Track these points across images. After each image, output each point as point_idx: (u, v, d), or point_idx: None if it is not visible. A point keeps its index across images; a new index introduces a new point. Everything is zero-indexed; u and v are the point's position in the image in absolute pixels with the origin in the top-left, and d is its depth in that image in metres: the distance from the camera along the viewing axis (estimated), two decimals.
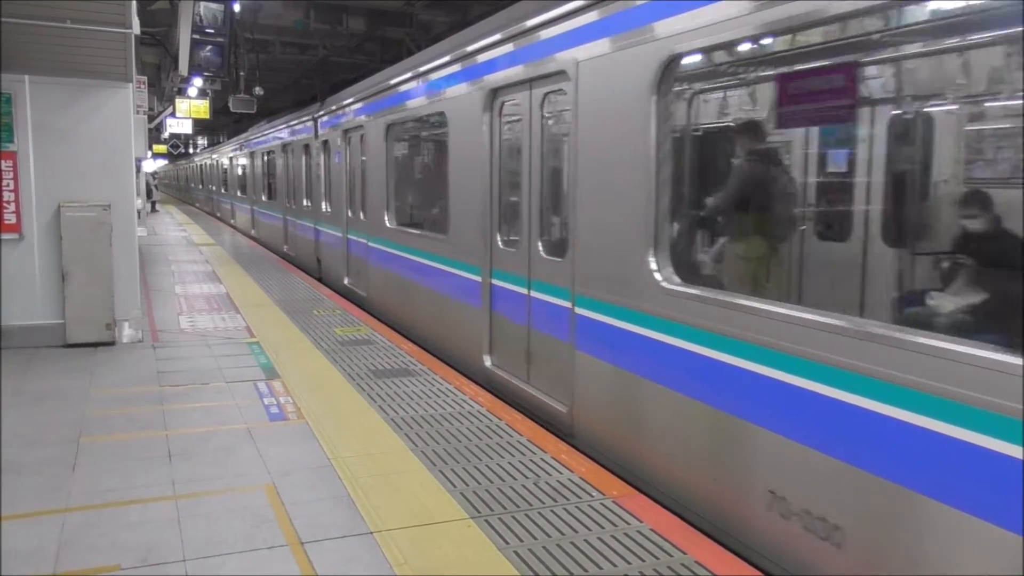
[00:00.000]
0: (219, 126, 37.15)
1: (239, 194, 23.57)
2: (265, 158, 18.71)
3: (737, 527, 3.63)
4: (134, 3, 6.60)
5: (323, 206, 12.44)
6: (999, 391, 2.45)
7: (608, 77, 4.47)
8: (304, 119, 13.91)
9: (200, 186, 38.66)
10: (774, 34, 3.54)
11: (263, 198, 18.99)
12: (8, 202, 7.13)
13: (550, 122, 5.45)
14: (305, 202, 13.87)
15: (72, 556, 3.36)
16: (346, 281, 11.05)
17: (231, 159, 25.33)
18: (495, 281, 6.15)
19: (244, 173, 22.35)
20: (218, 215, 29.32)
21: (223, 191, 28.35)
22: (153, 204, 32.92)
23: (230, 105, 16.55)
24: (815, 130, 5.11)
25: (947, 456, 2.62)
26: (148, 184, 31.13)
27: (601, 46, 4.53)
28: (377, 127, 9.29)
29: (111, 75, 7.25)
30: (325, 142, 12.30)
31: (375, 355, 7.14)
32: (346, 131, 10.92)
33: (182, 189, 52.04)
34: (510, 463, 4.51)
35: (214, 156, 31.68)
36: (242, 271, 13.14)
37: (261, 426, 5.12)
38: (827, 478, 3.10)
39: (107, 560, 3.32)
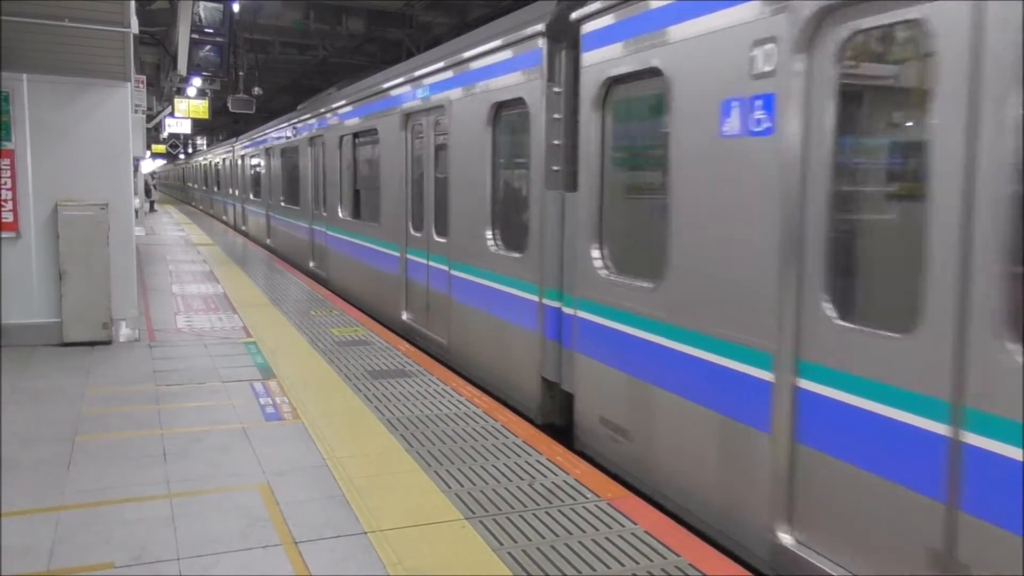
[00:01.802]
0: (218, 126, 37.17)
1: (283, 204, 15.85)
2: (348, 147, 11.03)
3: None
4: (132, 2, 6.62)
5: (594, 260, 4.96)
6: None
7: None
8: (516, 38, 5.86)
9: (213, 189, 30.56)
10: None
11: (341, 215, 11.28)
12: (5, 200, 7.13)
13: None
14: (491, 238, 6.41)
15: (66, 554, 3.36)
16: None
17: (269, 152, 17.52)
18: None
19: (297, 174, 14.40)
20: (243, 229, 21.94)
21: (250, 196, 20.66)
22: (152, 204, 32.83)
23: (229, 105, 16.59)
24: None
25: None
26: (147, 184, 30.90)
27: None
28: None
29: (109, 74, 7.25)
30: (612, 84, 4.81)
31: (372, 356, 7.14)
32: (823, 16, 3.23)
33: (183, 190, 46.90)
34: (505, 464, 4.51)
35: (236, 151, 23.35)
36: (240, 271, 13.14)
37: (257, 426, 5.12)
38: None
39: (101, 558, 3.32)
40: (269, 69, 20.21)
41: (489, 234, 6.41)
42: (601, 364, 4.86)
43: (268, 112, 25.56)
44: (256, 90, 17.35)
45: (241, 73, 17.13)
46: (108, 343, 7.37)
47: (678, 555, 3.46)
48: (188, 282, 11.66)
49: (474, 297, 6.72)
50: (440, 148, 7.53)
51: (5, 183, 7.11)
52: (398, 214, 8.53)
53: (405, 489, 4.12)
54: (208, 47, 12.06)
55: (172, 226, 23.99)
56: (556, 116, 5.42)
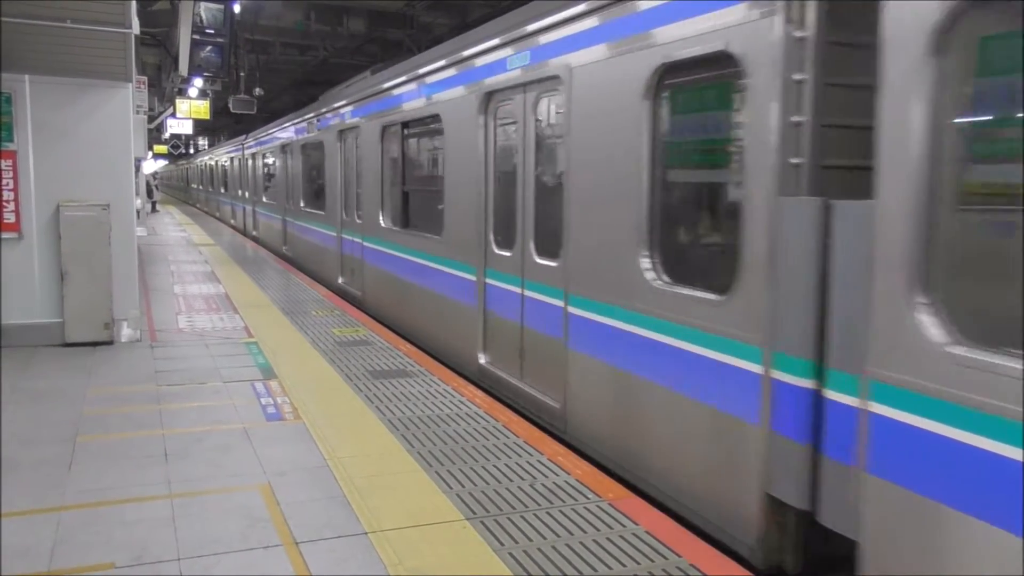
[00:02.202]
0: (219, 127, 37.23)
1: (304, 208, 13.64)
2: (393, 140, 9.01)
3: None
4: (134, 3, 6.62)
5: (918, 319, 2.84)
6: None
7: None
8: None
9: (219, 190, 27.70)
10: None
11: (382, 223, 9.20)
12: (8, 201, 7.14)
13: None
14: (649, 267, 4.37)
15: (67, 554, 3.36)
16: None
17: (286, 149, 15.18)
18: None
19: (322, 174, 12.26)
20: (255, 235, 19.49)
21: (263, 199, 18.15)
22: (153, 204, 32.80)
23: (230, 106, 16.62)
24: None
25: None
26: (148, 184, 30.35)
27: None
28: None
29: (111, 75, 7.26)
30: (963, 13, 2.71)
31: (373, 356, 7.14)
32: None
33: (186, 191, 44.12)
34: (506, 464, 4.51)
35: (246, 149, 20.48)
36: (241, 271, 13.14)
37: (258, 426, 5.12)
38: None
39: (101, 558, 3.32)
40: (270, 70, 20.23)
41: (645, 261, 4.33)
42: (946, 508, 2.73)
43: (269, 113, 25.59)
44: (257, 91, 17.39)
45: (242, 74, 17.16)
46: (110, 343, 7.37)
47: (679, 555, 3.45)
48: (189, 282, 11.67)
49: (615, 350, 4.60)
50: (547, 137, 5.63)
51: (7, 184, 7.12)
52: (471, 225, 6.51)
53: (406, 489, 4.12)
54: (209, 48, 12.09)
55: (174, 227, 24.01)
56: (798, 78, 3.40)
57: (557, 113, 5.34)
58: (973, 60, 2.83)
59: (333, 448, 4.72)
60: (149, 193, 30.04)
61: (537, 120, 5.66)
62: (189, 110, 18.24)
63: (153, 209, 31.82)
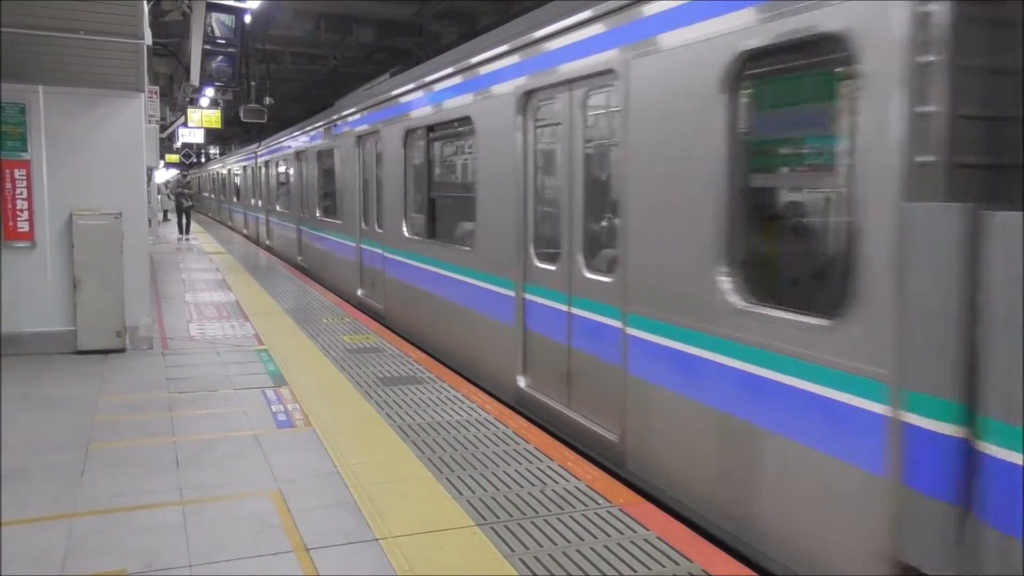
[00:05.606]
0: (230, 135, 37.49)
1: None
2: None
3: None
4: (146, 13, 6.69)
5: None
6: None
7: None
8: None
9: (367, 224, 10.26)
10: None
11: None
12: (21, 210, 7.21)
13: None
14: None
15: (79, 560, 3.37)
16: None
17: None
18: None
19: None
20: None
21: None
22: (187, 226, 23.64)
23: (241, 115, 16.73)
24: None
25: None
26: (180, 197, 23.68)
27: None
28: None
29: (123, 85, 7.33)
30: None
31: (383, 363, 7.15)
32: None
33: (218, 208, 33.03)
34: (516, 471, 4.50)
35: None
36: (252, 279, 13.20)
37: (268, 433, 5.13)
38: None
39: (113, 565, 3.33)
40: (280, 79, 20.38)
41: None
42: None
43: (280, 122, 25.75)
44: (268, 100, 17.52)
45: (253, 83, 17.30)
46: (122, 351, 7.41)
47: (691, 561, 3.43)
48: (201, 290, 11.73)
49: None
50: None
51: (21, 193, 7.19)
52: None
53: (416, 496, 4.11)
54: (220, 58, 12.16)
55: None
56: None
57: None
58: None
59: (343, 455, 4.72)
60: (180, 210, 23.72)
61: None
62: (200, 119, 18.38)
63: (185, 231, 23.35)
